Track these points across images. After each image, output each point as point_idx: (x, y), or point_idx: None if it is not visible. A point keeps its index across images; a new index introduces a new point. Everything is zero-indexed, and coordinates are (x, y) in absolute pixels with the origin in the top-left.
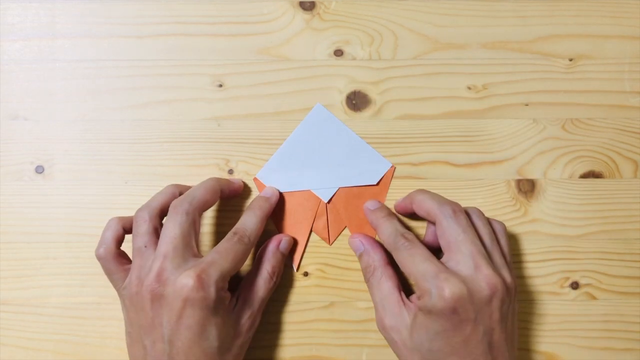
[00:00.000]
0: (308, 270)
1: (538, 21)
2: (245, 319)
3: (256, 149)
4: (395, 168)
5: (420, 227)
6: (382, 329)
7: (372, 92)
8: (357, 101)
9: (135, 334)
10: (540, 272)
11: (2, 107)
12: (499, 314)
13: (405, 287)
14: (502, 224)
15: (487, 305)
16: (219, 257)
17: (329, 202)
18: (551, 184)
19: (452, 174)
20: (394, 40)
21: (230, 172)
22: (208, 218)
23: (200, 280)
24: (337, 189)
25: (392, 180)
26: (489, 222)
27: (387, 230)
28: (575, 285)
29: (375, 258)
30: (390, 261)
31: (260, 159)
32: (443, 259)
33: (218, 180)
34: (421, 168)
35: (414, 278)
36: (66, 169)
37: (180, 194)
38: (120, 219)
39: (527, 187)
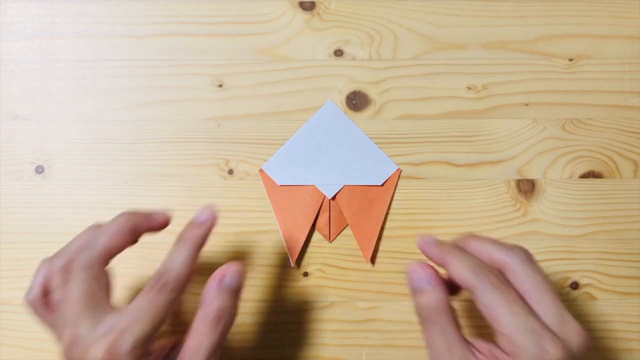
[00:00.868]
0: (308, 270)
1: (538, 21)
2: None
3: (256, 149)
4: (401, 171)
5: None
6: None
7: (372, 92)
8: (357, 101)
9: None
10: None
11: (2, 107)
12: None
13: None
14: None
15: None
16: (134, 318)
17: (332, 199)
18: (551, 184)
19: (452, 174)
20: (394, 40)
21: (230, 172)
22: None
23: (110, 353)
24: (341, 186)
25: None
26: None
27: (466, 264)
28: (575, 285)
29: (443, 298)
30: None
31: (260, 159)
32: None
33: (131, 217)
34: (421, 168)
35: (505, 327)
36: (66, 169)
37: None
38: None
39: (527, 187)
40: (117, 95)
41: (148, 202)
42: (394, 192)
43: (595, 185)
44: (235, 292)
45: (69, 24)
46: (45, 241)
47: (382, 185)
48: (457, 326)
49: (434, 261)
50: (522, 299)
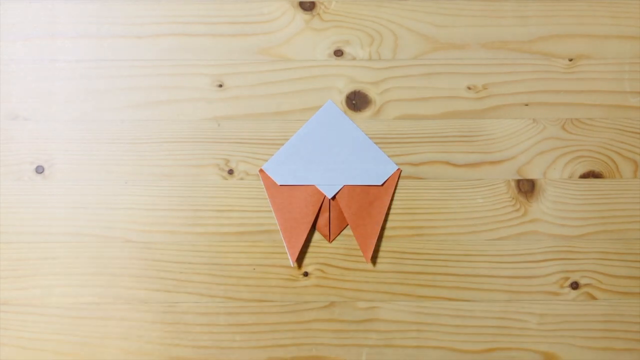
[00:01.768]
0: (308, 270)
1: (538, 21)
2: None
3: (256, 149)
4: (401, 171)
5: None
6: None
7: (372, 92)
8: (357, 101)
9: None
10: (540, 272)
11: (2, 107)
12: None
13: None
14: None
15: None
16: None
17: (332, 198)
18: (551, 184)
19: (452, 174)
20: (394, 40)
21: (230, 172)
22: (210, 218)
23: None
24: (341, 186)
25: None
26: None
27: None
28: (575, 285)
29: None
30: None
31: (260, 159)
32: None
33: None
34: (421, 168)
35: None
36: (66, 169)
37: None
38: None
39: (527, 187)
40: (117, 95)
41: (148, 202)
42: (394, 192)
43: (595, 185)
44: None
45: (69, 24)
46: (45, 241)
47: (382, 185)
48: None
49: None
50: None
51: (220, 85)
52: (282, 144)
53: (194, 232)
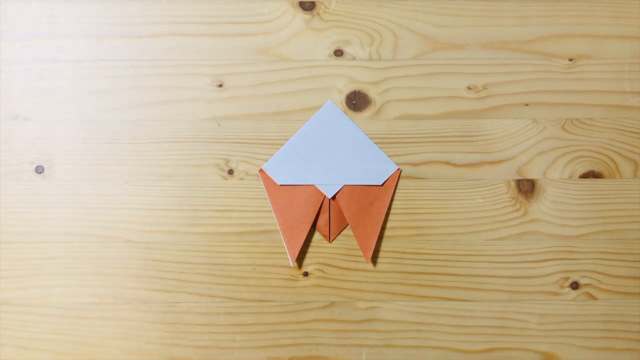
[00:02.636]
0: (308, 270)
1: (538, 21)
2: None
3: (256, 149)
4: (401, 171)
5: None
6: None
7: (372, 92)
8: (357, 101)
9: None
10: (540, 272)
11: (2, 107)
12: None
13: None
14: None
15: None
16: None
17: (332, 198)
18: (551, 184)
19: (452, 174)
20: (394, 40)
21: (230, 172)
22: (210, 219)
23: None
24: (341, 186)
25: None
26: None
27: None
28: (575, 285)
29: None
30: None
31: (260, 159)
32: None
33: None
34: (421, 168)
35: None
36: (66, 169)
37: None
38: None
39: (527, 187)
40: (117, 95)
41: (148, 202)
42: (394, 192)
43: (595, 185)
44: None
45: (69, 24)
46: (45, 241)
47: (382, 185)
48: None
49: None
50: None
51: (220, 85)
52: (282, 144)
53: (194, 232)
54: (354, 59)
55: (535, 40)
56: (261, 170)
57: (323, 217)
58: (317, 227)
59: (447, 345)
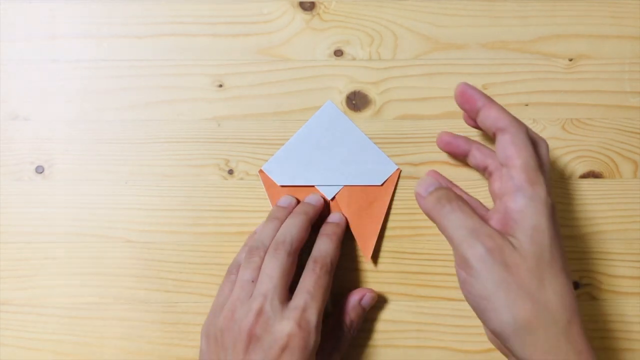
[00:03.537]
0: None
1: (538, 21)
2: None
3: (256, 149)
4: (401, 171)
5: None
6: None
7: (372, 92)
8: (357, 101)
9: None
10: None
11: (2, 107)
12: None
13: None
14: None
15: None
16: (311, 298)
17: (332, 199)
18: (551, 184)
19: (452, 174)
20: (394, 40)
21: (230, 172)
22: (210, 219)
23: (301, 327)
24: (341, 187)
25: None
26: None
27: (504, 110)
28: (575, 286)
29: (452, 191)
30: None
31: (260, 159)
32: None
33: (307, 213)
34: (421, 168)
35: (523, 162)
36: (66, 169)
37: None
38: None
39: None
40: (117, 95)
41: (148, 202)
42: (394, 192)
43: (595, 186)
44: (365, 311)
45: (69, 24)
46: (45, 241)
47: (382, 185)
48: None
49: (471, 101)
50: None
51: (220, 85)
52: (282, 144)
53: (194, 232)
54: (354, 59)
55: (536, 40)
56: (261, 171)
57: None
58: None
59: (447, 345)
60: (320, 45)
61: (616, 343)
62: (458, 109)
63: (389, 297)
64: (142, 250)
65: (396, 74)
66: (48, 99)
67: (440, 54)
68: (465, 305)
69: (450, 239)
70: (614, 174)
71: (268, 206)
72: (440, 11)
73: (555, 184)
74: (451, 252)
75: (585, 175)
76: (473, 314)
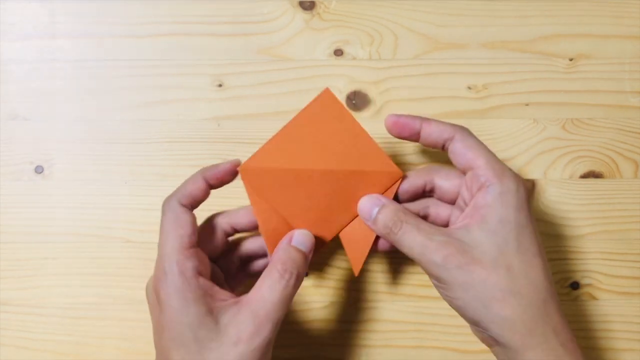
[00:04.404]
0: (308, 270)
1: (538, 21)
2: (245, 326)
3: (256, 149)
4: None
5: None
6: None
7: (372, 92)
8: (357, 101)
9: None
10: None
11: (2, 107)
12: None
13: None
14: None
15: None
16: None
17: None
18: (551, 184)
19: None
20: (394, 40)
21: None
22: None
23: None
24: None
25: None
26: None
27: (440, 122)
28: (575, 286)
29: (401, 207)
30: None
31: None
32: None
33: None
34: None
35: (486, 161)
36: (66, 169)
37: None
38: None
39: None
40: (117, 95)
41: (148, 202)
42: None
43: (595, 185)
44: (304, 254)
45: (69, 24)
46: (45, 241)
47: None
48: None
49: (408, 127)
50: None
51: (220, 85)
52: None
53: None
54: (354, 58)
55: (536, 40)
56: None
57: None
58: None
59: (447, 345)
60: (320, 45)
61: (616, 343)
62: (458, 109)
63: (389, 297)
64: (142, 250)
65: (396, 73)
66: (48, 99)
67: (440, 53)
68: None
69: (411, 257)
70: (615, 174)
71: None
72: (440, 11)
73: (556, 184)
74: None
75: (585, 175)
76: None
